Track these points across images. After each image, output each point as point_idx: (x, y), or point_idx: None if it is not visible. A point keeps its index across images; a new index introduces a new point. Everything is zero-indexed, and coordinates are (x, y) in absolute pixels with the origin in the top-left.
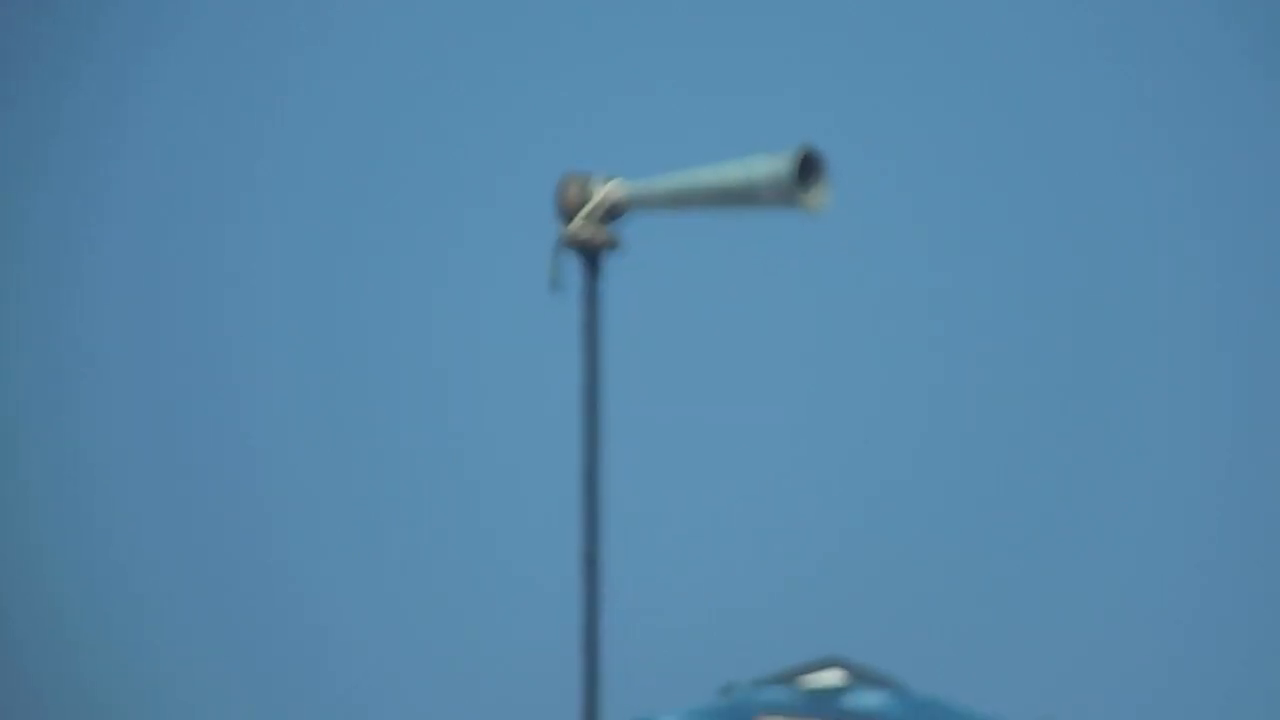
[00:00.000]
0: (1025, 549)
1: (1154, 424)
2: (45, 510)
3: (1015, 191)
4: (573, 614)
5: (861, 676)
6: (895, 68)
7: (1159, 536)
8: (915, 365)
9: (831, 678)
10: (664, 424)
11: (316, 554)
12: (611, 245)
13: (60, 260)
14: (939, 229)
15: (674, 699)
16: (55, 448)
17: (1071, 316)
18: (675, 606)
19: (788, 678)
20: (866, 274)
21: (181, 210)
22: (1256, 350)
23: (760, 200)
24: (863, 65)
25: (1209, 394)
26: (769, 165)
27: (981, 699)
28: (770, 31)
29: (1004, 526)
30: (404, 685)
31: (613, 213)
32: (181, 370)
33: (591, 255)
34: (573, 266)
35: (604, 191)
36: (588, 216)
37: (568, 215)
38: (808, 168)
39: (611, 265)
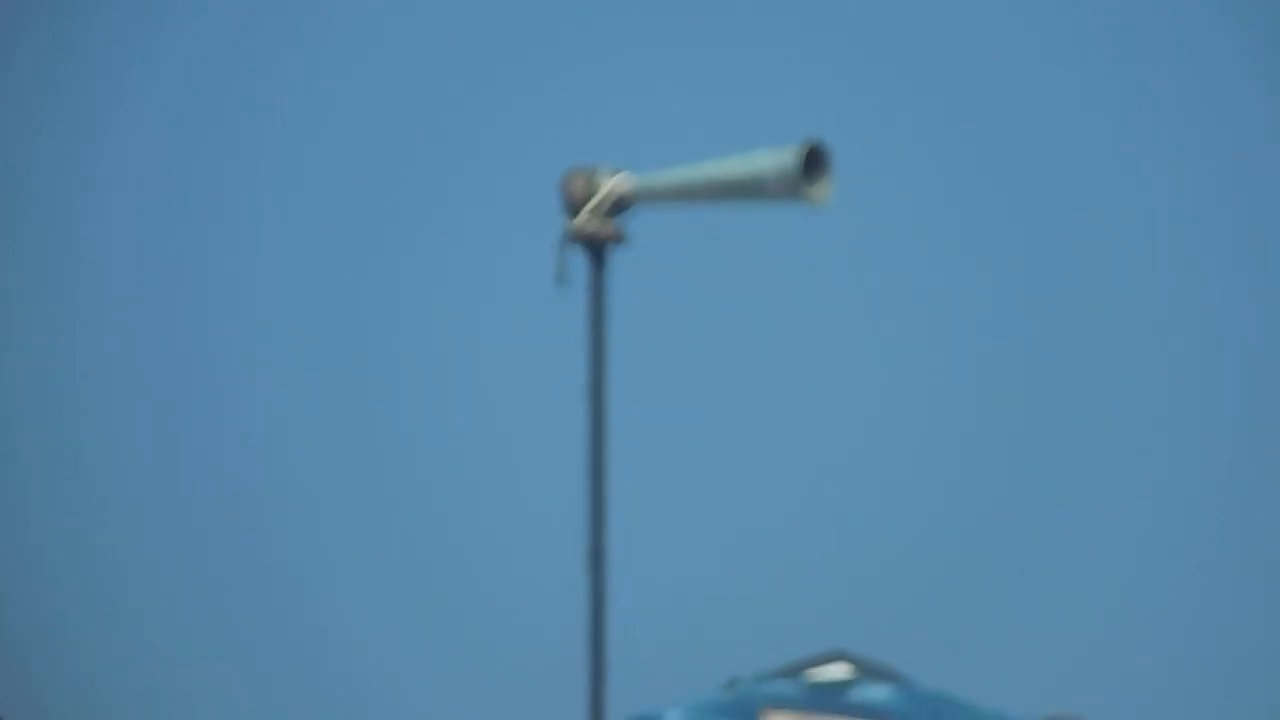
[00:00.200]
0: (1030, 542)
1: (1155, 418)
2: (44, 510)
3: (1018, 188)
4: (578, 608)
5: (867, 670)
6: (899, 63)
7: (1162, 530)
8: (920, 358)
9: (837, 671)
10: (669, 418)
11: (318, 549)
12: (617, 239)
13: (59, 260)
14: (943, 222)
15: (679, 692)
16: (54, 447)
17: (1074, 311)
18: (680, 600)
19: (793, 671)
20: (871, 267)
21: (182, 198)
22: (1257, 344)
23: (766, 194)
24: (867, 60)
25: (1209, 387)
26: (775, 159)
27: (987, 692)
28: (775, 26)
29: (1009, 520)
30: (410, 678)
31: (618, 206)
32: (181, 362)
33: (597, 249)
34: (578, 260)
35: (610, 185)
36: (593, 210)
37: (573, 209)
38: (813, 161)
39: (617, 259)
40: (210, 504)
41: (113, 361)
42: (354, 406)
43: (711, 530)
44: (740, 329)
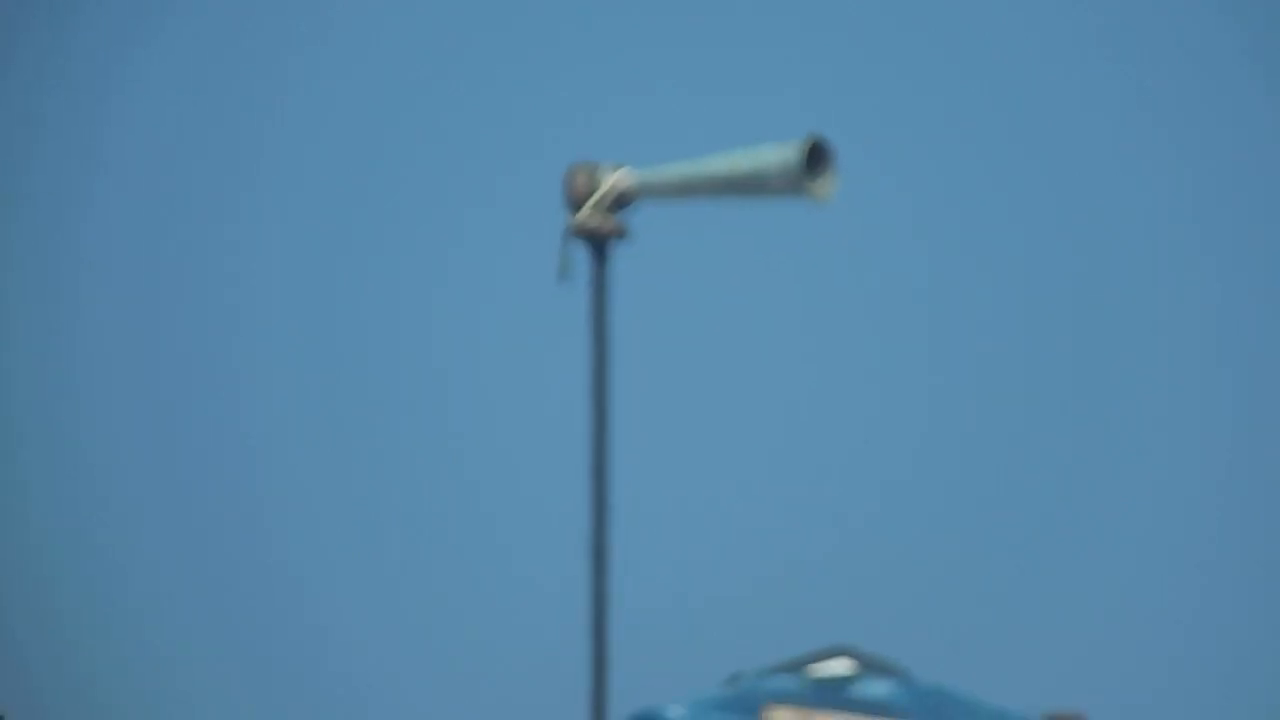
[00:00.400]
0: (1032, 538)
1: (1154, 412)
2: (44, 510)
3: (1020, 185)
4: (580, 603)
5: (869, 665)
6: (901, 59)
7: (1162, 526)
8: (921, 353)
9: (839, 667)
10: (672, 414)
11: (318, 544)
12: (619, 234)
13: (58, 260)
14: (945, 219)
15: (681, 688)
16: (53, 447)
17: (1073, 307)
18: (682, 596)
19: (795, 667)
20: (873, 263)
21: (181, 192)
22: (1256, 340)
23: (768, 189)
24: (870, 56)
25: (1207, 381)
26: (777, 154)
27: (988, 688)
28: (777, 21)
29: (1010, 515)
30: (412, 675)
31: (621, 201)
32: (178, 357)
33: (599, 244)
34: (581, 256)
35: (612, 180)
36: (596, 205)
37: (576, 204)
38: (816, 157)
39: (619, 254)
40: (207, 497)
41: (112, 361)
42: (354, 402)
43: (713, 525)
44: (742, 325)
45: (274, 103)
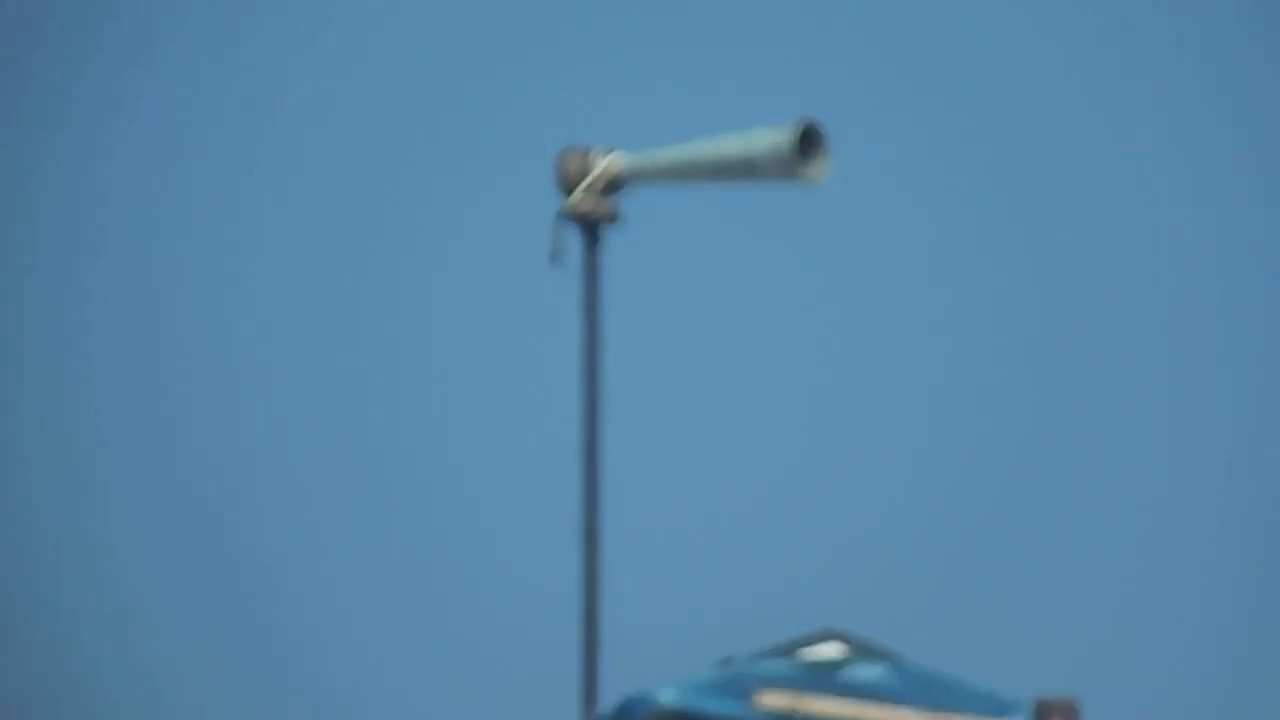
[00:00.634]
0: (1024, 524)
1: (1149, 396)
2: (45, 511)
3: (1019, 169)
4: (572, 587)
5: (860, 649)
6: (896, 42)
7: (1154, 512)
8: (913, 338)
9: (830, 650)
10: (664, 398)
11: (310, 530)
12: (611, 218)
13: (61, 261)
14: (940, 203)
15: (672, 671)
16: (56, 447)
17: (1068, 295)
18: (674, 579)
19: (786, 650)
20: (867, 247)
21: (182, 187)
22: (1255, 335)
23: (761, 173)
24: (864, 39)
25: (1201, 374)
26: (770, 138)
27: (980, 672)
28: (771, 5)
29: (1002, 501)
30: (402, 658)
31: (613, 185)
32: (176, 353)
33: (591, 228)
34: (573, 240)
35: (604, 164)
36: (588, 189)
37: (568, 188)
38: (808, 141)
39: (611, 238)
40: (202, 489)
41: (114, 361)
42: (346, 386)
43: (704, 510)
44: (735, 310)
45: (268, 96)
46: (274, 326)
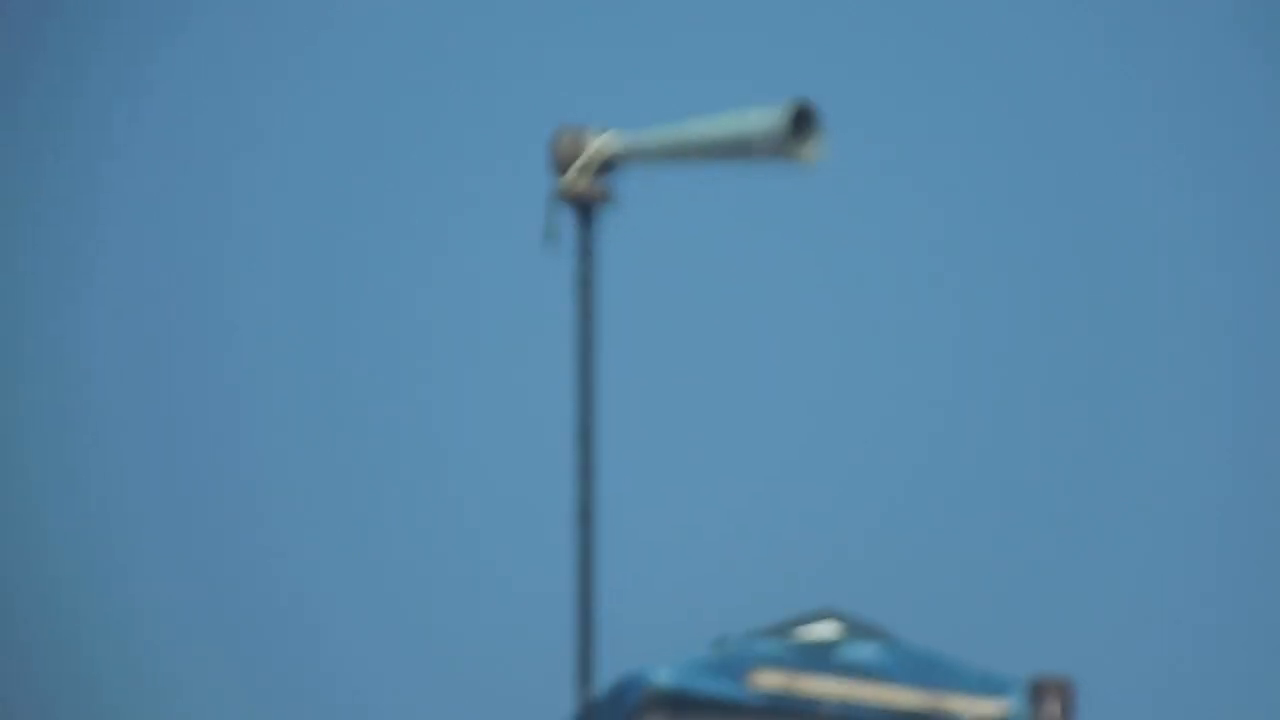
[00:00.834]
0: (1019, 505)
1: (1143, 381)
2: (44, 511)
3: (1025, 164)
4: (567, 567)
5: (855, 629)
6: (892, 22)
7: (1151, 491)
8: (906, 317)
9: (825, 630)
10: (659, 378)
11: (312, 519)
12: (606, 198)
13: (59, 263)
14: (936, 182)
15: (668, 651)
16: (54, 449)
17: (1059, 279)
18: (669, 560)
19: (782, 630)
20: (860, 227)
21: (181, 182)
22: (1253, 330)
23: (755, 153)
24: (860, 20)
25: (1207, 358)
26: (764, 118)
27: (974, 652)
28: None
29: (998, 482)
30: (400, 643)
31: (607, 166)
32: (174, 349)
33: (586, 208)
34: (567, 220)
35: (598, 144)
36: (582, 169)
37: (562, 168)
38: (802, 121)
39: (606, 219)
40: (199, 492)
41: (112, 363)
42: (342, 370)
43: (700, 489)
44: (730, 289)
45: (264, 84)
46: (271, 312)
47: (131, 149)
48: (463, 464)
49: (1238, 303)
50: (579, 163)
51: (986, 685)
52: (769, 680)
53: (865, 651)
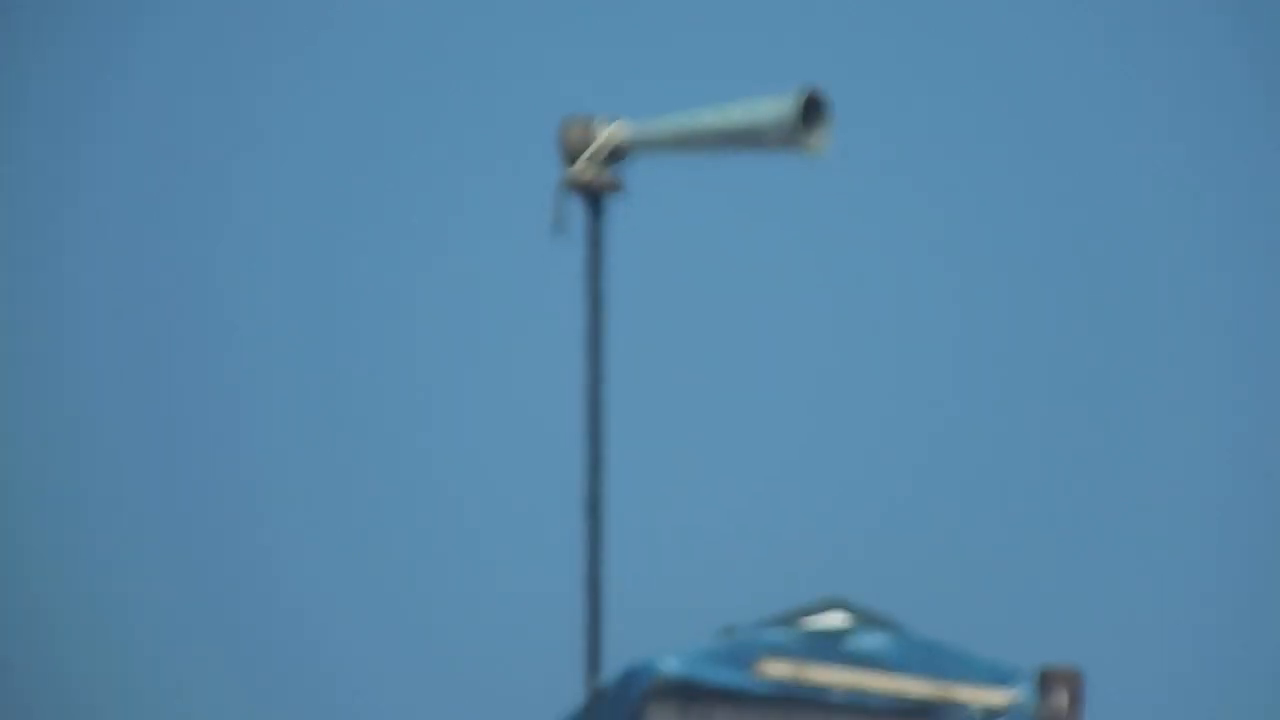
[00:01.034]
0: (1027, 497)
1: (1147, 374)
2: (43, 510)
3: (1029, 160)
4: (576, 556)
5: (864, 619)
6: (901, 12)
7: (1157, 482)
8: (920, 308)
9: (834, 620)
10: (668, 368)
11: (315, 513)
12: (614, 188)
13: (53, 259)
14: (943, 173)
15: (676, 640)
16: (52, 449)
17: (1058, 270)
18: (677, 548)
19: (790, 619)
20: (868, 218)
21: (179, 176)
22: (1253, 328)
23: (764, 142)
24: (874, 25)
25: (1208, 350)
26: (773, 107)
27: (982, 642)
28: None
29: (1005, 473)
30: (410, 631)
31: (616, 155)
32: (172, 348)
33: (595, 198)
34: (576, 209)
35: (607, 133)
36: (591, 159)
37: (571, 158)
38: (811, 110)
39: (614, 208)
40: (196, 492)
41: (110, 361)
42: (350, 359)
43: (709, 478)
44: (738, 279)
45: (267, 76)
46: (275, 306)
47: (131, 142)
48: (470, 455)
49: (1238, 296)
50: (588, 152)
51: (994, 675)
52: (777, 670)
53: (873, 641)
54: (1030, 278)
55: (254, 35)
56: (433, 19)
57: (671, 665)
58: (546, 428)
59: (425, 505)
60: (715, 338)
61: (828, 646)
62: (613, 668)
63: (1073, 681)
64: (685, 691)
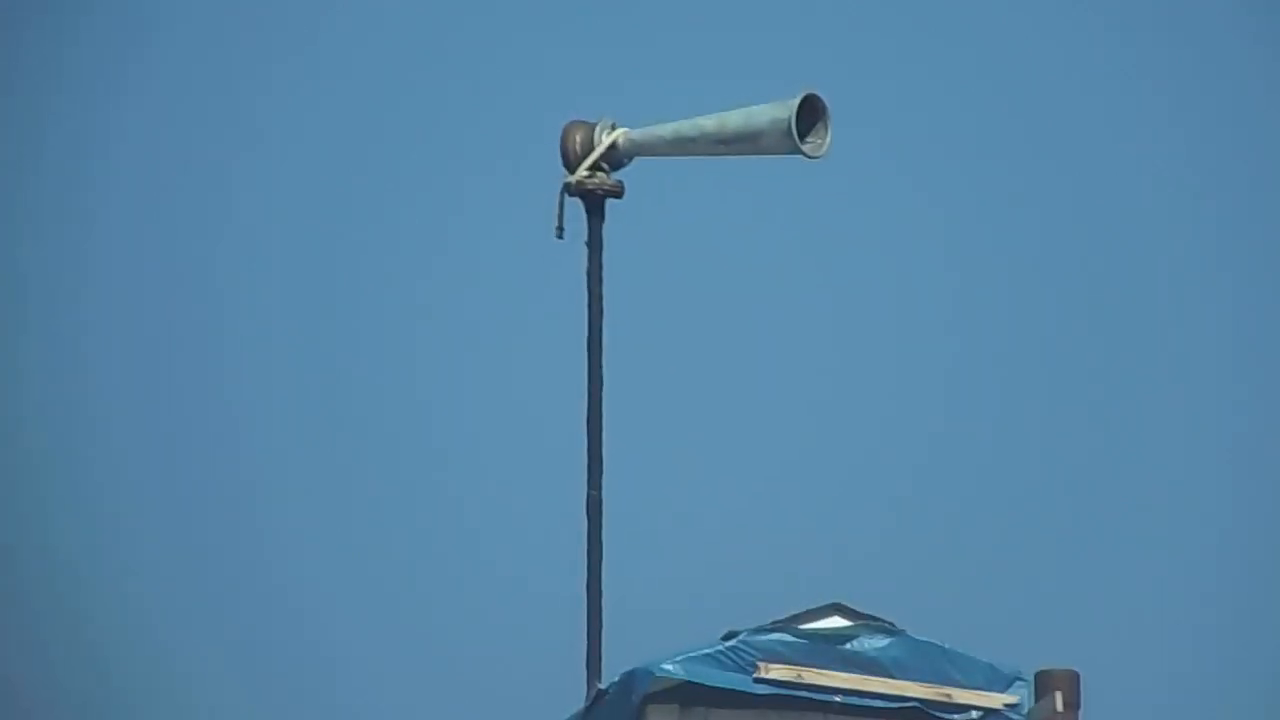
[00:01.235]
0: (1026, 499)
1: (1159, 382)
2: (47, 509)
3: (1031, 161)
4: (577, 559)
5: (863, 622)
6: (899, 16)
7: (1155, 486)
8: (921, 311)
9: (833, 623)
10: (667, 369)
11: (317, 511)
12: (615, 192)
13: (58, 262)
14: (941, 173)
15: (676, 644)
16: (56, 449)
17: (1059, 271)
18: (678, 552)
19: (790, 622)
20: (870, 221)
21: (182, 177)
22: (1252, 326)
23: (763, 146)
24: (867, 14)
25: (1208, 353)
26: (771, 112)
27: (981, 645)
28: None
29: (1004, 475)
30: (410, 633)
31: (617, 160)
32: (177, 355)
33: (595, 202)
34: (576, 213)
35: (608, 139)
36: (592, 164)
37: (572, 163)
38: (809, 114)
39: (615, 211)
40: (198, 490)
41: (112, 361)
42: (347, 364)
43: (708, 482)
44: (737, 282)
45: (269, 77)
46: (276, 307)
47: (133, 141)
48: (471, 457)
49: (1238, 297)
50: (590, 157)
51: (993, 678)
52: (777, 672)
53: (873, 644)
54: (1029, 280)
55: (257, 39)
56: (435, 24)
57: (672, 668)
58: (547, 429)
59: (426, 506)
60: (715, 340)
61: (827, 649)
62: (614, 671)
63: (1070, 684)
64: (686, 694)
